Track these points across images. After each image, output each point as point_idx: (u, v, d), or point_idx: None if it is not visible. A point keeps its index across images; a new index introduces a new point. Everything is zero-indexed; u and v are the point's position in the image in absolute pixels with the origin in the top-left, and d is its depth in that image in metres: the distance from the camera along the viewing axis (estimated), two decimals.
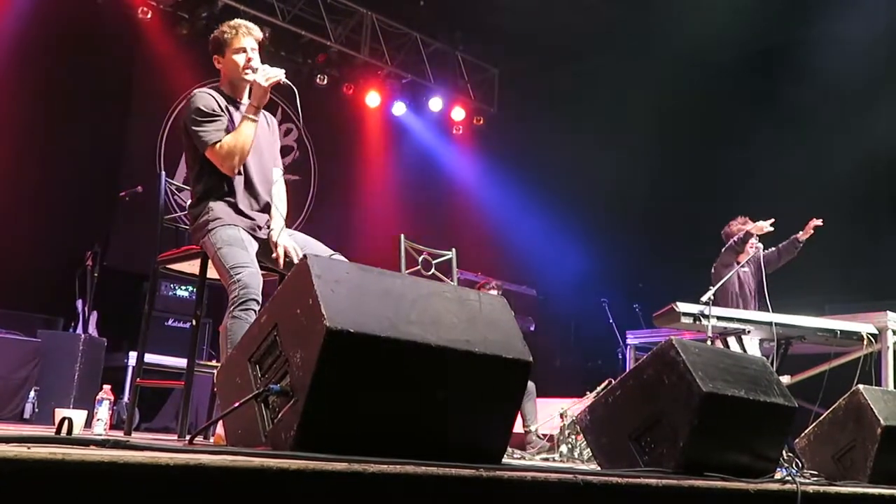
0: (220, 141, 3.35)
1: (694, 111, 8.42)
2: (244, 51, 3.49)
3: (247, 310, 3.12)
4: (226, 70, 3.55)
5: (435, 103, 9.96)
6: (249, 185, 3.49)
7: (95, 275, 6.44)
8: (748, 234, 5.94)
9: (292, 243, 3.47)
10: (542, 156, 9.74)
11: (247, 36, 3.52)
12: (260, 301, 3.16)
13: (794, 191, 7.96)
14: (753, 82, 8.66)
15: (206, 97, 3.44)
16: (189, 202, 3.59)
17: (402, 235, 5.11)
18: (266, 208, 3.55)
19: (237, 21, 3.60)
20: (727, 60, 8.43)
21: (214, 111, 3.41)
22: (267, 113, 3.67)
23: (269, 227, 3.52)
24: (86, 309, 6.44)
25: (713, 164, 8.67)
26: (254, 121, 3.40)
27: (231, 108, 3.49)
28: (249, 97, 3.46)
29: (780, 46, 8.46)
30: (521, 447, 6.05)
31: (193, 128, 3.38)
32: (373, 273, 2.01)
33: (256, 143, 3.48)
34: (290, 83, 3.43)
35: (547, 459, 5.40)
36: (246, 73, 3.47)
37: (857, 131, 7.67)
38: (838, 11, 7.64)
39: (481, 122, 10.39)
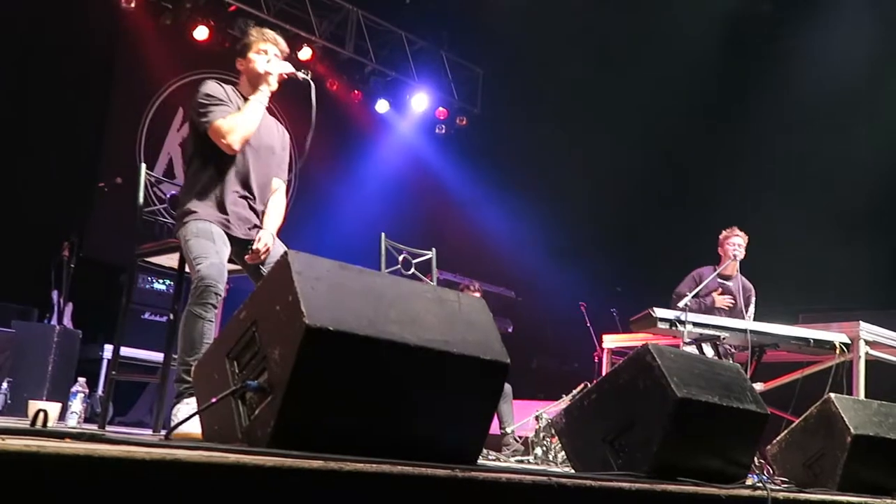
0: (221, 119, 3.36)
1: (678, 117, 8.49)
2: (266, 52, 3.55)
3: (204, 304, 3.12)
4: (245, 70, 3.59)
5: (419, 102, 9.96)
6: (245, 184, 3.48)
7: (72, 266, 6.37)
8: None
9: (271, 242, 3.46)
10: (524, 158, 9.78)
11: (272, 43, 3.58)
12: (220, 293, 3.16)
13: (770, 200, 8.06)
14: (739, 93, 8.73)
15: (214, 85, 3.47)
16: (170, 194, 3.59)
17: (383, 234, 5.11)
18: (257, 211, 3.54)
19: (266, 29, 3.68)
20: (713, 67, 8.50)
21: (221, 98, 3.43)
22: (282, 126, 3.69)
23: (255, 227, 3.51)
24: (61, 300, 6.38)
25: (694, 170, 8.75)
26: (260, 102, 3.44)
27: (241, 105, 3.49)
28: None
29: (766, 59, 8.55)
30: (497, 448, 6.06)
31: (199, 110, 3.39)
32: (353, 271, 2.02)
33: (260, 143, 3.49)
34: (307, 78, 3.51)
35: (522, 461, 5.42)
36: (261, 65, 3.51)
37: (834, 143, 7.77)
38: (825, 23, 7.75)
39: (464, 122, 10.39)
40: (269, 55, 3.54)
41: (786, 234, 7.50)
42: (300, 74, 3.54)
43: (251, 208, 3.50)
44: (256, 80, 3.51)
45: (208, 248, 3.23)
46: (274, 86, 3.52)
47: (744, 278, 6.00)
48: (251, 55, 3.55)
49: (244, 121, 3.39)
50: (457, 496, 1.71)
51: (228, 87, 3.52)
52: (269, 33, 3.63)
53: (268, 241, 3.45)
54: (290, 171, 3.80)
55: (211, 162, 3.43)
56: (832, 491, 3.17)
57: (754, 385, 3.20)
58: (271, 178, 3.62)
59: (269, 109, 3.62)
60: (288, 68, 3.53)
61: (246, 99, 3.52)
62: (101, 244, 7.35)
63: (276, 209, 3.62)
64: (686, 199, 8.68)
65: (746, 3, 8.47)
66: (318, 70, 9.18)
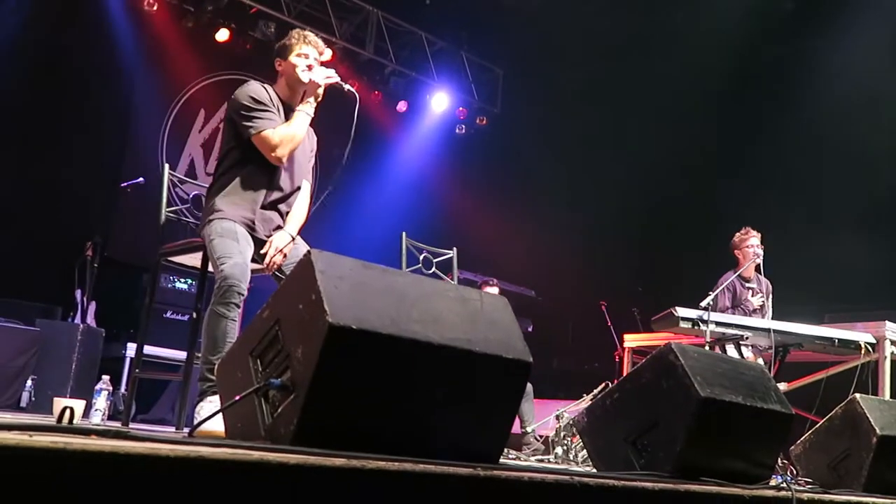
0: (271, 129, 3.38)
1: (699, 115, 8.44)
2: (307, 56, 3.56)
3: (227, 304, 3.13)
4: (285, 72, 3.60)
5: (438, 102, 9.96)
6: (277, 187, 3.49)
7: (95, 265, 6.44)
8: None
9: (286, 247, 3.43)
10: (544, 157, 9.76)
11: (312, 46, 3.60)
12: (243, 293, 3.18)
13: (792, 199, 7.99)
14: (759, 88, 8.67)
15: (258, 88, 3.48)
16: (193, 194, 3.62)
17: (404, 233, 5.11)
18: (283, 214, 3.54)
19: (307, 31, 3.69)
20: (733, 65, 8.45)
21: (266, 104, 3.44)
22: (310, 129, 3.70)
23: (279, 228, 3.51)
24: (84, 299, 6.44)
25: (716, 168, 8.70)
26: (308, 114, 3.47)
27: (282, 109, 3.50)
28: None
29: (785, 54, 8.49)
30: (518, 447, 6.06)
31: (242, 113, 3.40)
32: (376, 270, 2.02)
33: (299, 153, 3.51)
34: (353, 90, 3.54)
35: (542, 461, 5.41)
36: (303, 72, 3.52)
37: (856, 140, 7.70)
38: (846, 21, 7.70)
39: (485, 122, 10.39)
40: (309, 59, 3.55)
41: (809, 233, 7.44)
42: (346, 86, 3.56)
43: (278, 211, 3.52)
44: (295, 83, 3.54)
45: (232, 248, 3.25)
46: (320, 97, 3.54)
47: (760, 276, 5.96)
48: (292, 59, 3.56)
49: (293, 134, 3.41)
50: (479, 495, 1.71)
51: (270, 89, 3.53)
52: (311, 36, 3.63)
53: (280, 243, 3.42)
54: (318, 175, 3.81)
55: (245, 163, 3.44)
56: (857, 492, 3.14)
57: (778, 385, 3.18)
58: (300, 182, 3.63)
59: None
60: (334, 78, 3.55)
61: (283, 101, 3.53)
62: (123, 244, 7.42)
63: (299, 210, 3.62)
64: (707, 197, 8.62)
65: (767, 1, 8.41)
66: (338, 71, 9.14)
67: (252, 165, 3.43)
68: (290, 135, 3.40)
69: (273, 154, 3.38)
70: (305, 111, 3.49)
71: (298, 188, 3.62)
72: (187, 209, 4.00)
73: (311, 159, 3.73)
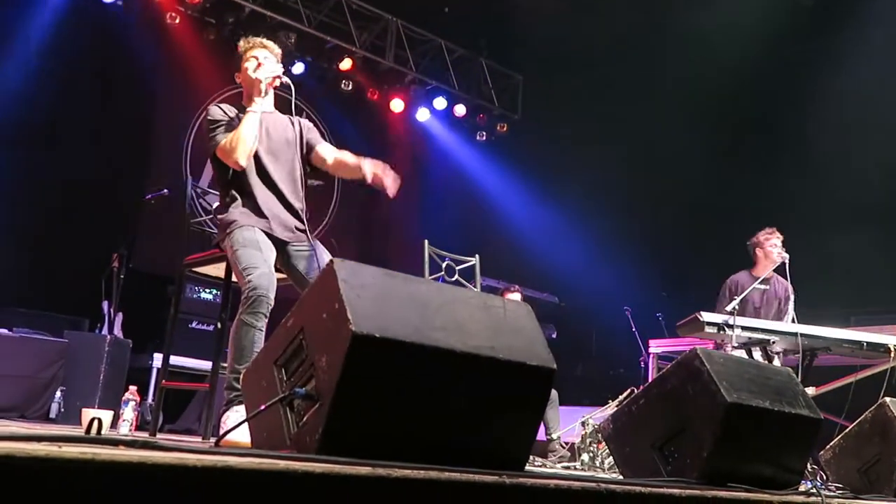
0: (224, 139, 3.45)
1: (720, 119, 8.37)
2: (256, 58, 3.60)
3: (255, 313, 3.15)
4: (244, 82, 3.65)
5: (459, 110, 9.98)
6: (273, 186, 3.52)
7: (121, 277, 6.50)
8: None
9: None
10: (566, 163, 9.73)
11: (259, 48, 3.65)
12: (271, 302, 3.20)
13: (817, 200, 7.91)
14: (780, 86, 8.60)
15: (215, 109, 3.56)
16: (215, 205, 3.65)
17: (426, 241, 5.12)
18: (293, 211, 3.56)
19: (251, 37, 3.75)
20: (757, 69, 8.38)
21: (221, 119, 3.51)
22: (297, 118, 3.71)
23: (298, 230, 3.54)
24: (111, 310, 6.50)
25: (739, 172, 8.63)
26: (253, 112, 3.48)
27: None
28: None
29: (810, 49, 8.41)
30: (543, 455, 6.03)
31: (208, 136, 3.50)
32: (399, 278, 2.02)
33: (273, 145, 3.52)
34: (288, 80, 3.55)
35: (568, 468, 5.38)
36: (253, 72, 3.55)
37: (879, 141, 7.61)
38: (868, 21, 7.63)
39: (505, 128, 10.39)
40: (259, 59, 3.59)
41: (834, 235, 7.35)
42: (283, 78, 3.57)
43: (287, 207, 3.53)
44: (251, 86, 3.56)
45: (256, 258, 3.28)
46: (265, 92, 3.53)
47: (780, 278, 5.87)
48: (244, 66, 3.61)
49: (241, 136, 3.41)
50: (505, 503, 1.70)
51: (226, 106, 3.59)
52: (256, 39, 3.69)
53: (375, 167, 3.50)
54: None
55: (235, 177, 3.49)
56: (889, 497, 3.10)
57: (806, 389, 3.14)
58: (297, 172, 3.63)
59: (284, 107, 3.63)
60: (277, 71, 3.57)
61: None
62: (149, 255, 7.49)
63: (346, 156, 3.64)
64: (730, 200, 8.56)
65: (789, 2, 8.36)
66: (359, 80, 9.25)
67: (244, 176, 3.48)
68: (238, 138, 3.40)
69: (231, 160, 3.42)
70: (251, 110, 3.48)
71: (301, 182, 3.63)
72: (211, 220, 4.03)
73: (304, 141, 3.69)
